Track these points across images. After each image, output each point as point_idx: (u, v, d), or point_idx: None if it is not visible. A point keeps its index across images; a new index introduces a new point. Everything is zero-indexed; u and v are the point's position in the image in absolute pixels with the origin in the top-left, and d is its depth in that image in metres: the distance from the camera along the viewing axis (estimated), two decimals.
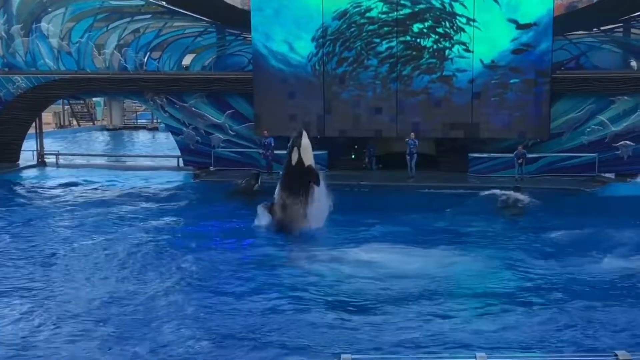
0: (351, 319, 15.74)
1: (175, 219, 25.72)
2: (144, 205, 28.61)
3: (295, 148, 23.31)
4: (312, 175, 23.24)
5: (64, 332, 15.21)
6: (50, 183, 33.60)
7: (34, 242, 22.65)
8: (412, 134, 31.96)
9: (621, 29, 32.99)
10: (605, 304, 16.49)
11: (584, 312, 16.01)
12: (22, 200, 29.90)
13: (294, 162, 23.39)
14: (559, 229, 23.28)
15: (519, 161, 31.37)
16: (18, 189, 32.27)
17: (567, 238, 22.46)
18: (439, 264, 19.69)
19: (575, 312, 16.03)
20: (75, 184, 32.79)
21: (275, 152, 32.20)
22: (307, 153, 23.31)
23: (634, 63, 32.91)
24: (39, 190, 32.06)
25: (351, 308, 16.47)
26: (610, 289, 17.87)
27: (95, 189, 31.91)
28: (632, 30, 32.94)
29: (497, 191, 28.73)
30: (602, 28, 32.80)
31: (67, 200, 29.53)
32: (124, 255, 20.94)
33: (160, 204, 28.59)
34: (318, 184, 23.18)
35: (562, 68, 32.57)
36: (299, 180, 23.36)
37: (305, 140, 23.32)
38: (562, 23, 31.57)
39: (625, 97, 31.54)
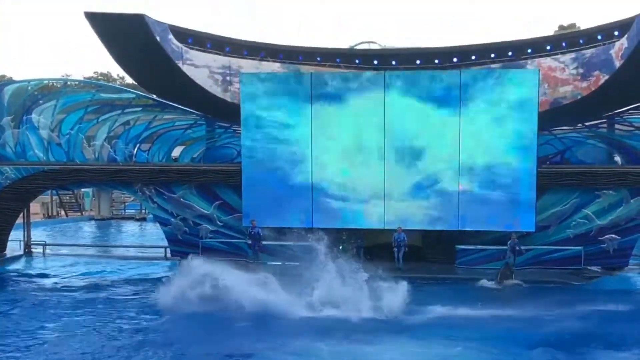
0: None
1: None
2: (127, 295, 28.61)
3: None
4: None
5: None
6: (34, 273, 33.52)
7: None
8: (400, 227, 32.17)
9: (605, 125, 33.57)
10: None
11: None
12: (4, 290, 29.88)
13: None
14: None
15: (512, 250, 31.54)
16: (4, 279, 32.14)
17: None
18: None
19: None
20: (57, 275, 32.73)
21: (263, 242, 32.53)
22: None
23: (617, 158, 33.40)
24: (23, 280, 31.99)
25: None
26: None
27: (81, 281, 31.78)
28: (616, 126, 33.52)
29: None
30: (586, 124, 33.38)
31: (47, 291, 29.60)
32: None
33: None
34: None
35: (548, 162, 32.99)
36: None
37: None
38: (547, 118, 32.06)
39: (611, 192, 31.90)
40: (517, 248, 31.46)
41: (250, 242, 33.33)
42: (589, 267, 32.38)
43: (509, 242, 31.54)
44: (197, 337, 22.40)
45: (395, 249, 32.33)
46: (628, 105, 32.77)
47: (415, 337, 22.13)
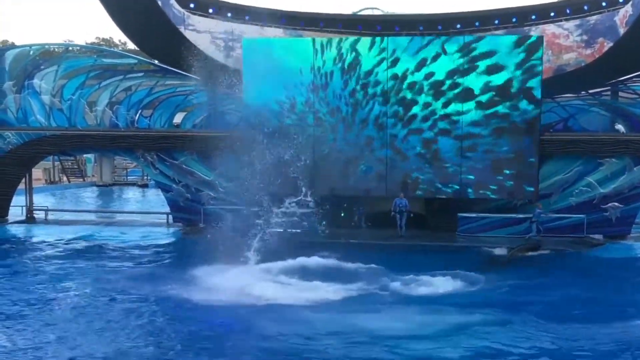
0: None
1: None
2: (127, 262, 28.70)
3: None
4: None
5: None
6: (35, 239, 33.67)
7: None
8: (402, 193, 32.14)
9: (609, 93, 33.42)
10: None
11: None
12: (7, 255, 29.94)
13: None
14: None
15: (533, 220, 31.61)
16: (5, 244, 32.26)
17: None
18: None
19: None
20: (58, 240, 32.84)
21: None
22: None
23: (619, 126, 33.27)
24: (25, 245, 32.15)
25: None
26: None
27: (83, 246, 31.86)
28: (620, 93, 33.37)
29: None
30: (590, 91, 33.22)
31: (48, 255, 29.76)
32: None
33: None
34: None
35: (551, 130, 32.87)
36: None
37: None
38: (551, 86, 31.90)
39: (613, 159, 31.80)
40: (539, 218, 31.44)
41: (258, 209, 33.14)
42: (591, 236, 32.35)
43: (534, 212, 31.52)
44: None
45: (397, 215, 32.24)
46: (632, 73, 32.60)
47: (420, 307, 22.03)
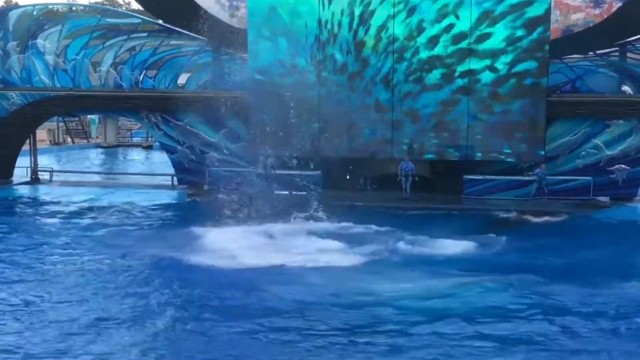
0: None
1: None
2: (133, 222, 28.75)
3: None
4: None
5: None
6: (40, 200, 33.79)
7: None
8: (407, 156, 32.02)
9: (617, 53, 33.12)
10: None
11: None
12: (13, 216, 29.96)
13: None
14: None
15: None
16: (11, 205, 32.32)
17: None
18: None
19: None
20: (65, 202, 32.79)
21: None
22: None
23: (625, 87, 32.99)
24: (30, 206, 32.18)
25: None
26: None
27: (88, 207, 31.81)
28: (628, 54, 33.08)
29: None
30: (598, 52, 32.93)
31: (54, 216, 29.77)
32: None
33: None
34: None
35: (558, 91, 32.63)
36: None
37: None
38: (558, 46, 31.61)
39: (621, 121, 31.57)
40: (542, 179, 31.34)
41: (262, 172, 33.09)
42: (597, 198, 32.23)
43: (536, 172, 31.45)
44: None
45: (403, 179, 32.14)
46: None
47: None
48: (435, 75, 31.42)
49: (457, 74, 31.23)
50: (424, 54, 31.36)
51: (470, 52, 30.99)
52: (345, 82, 32.10)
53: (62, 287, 19.71)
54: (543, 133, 31.26)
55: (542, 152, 31.43)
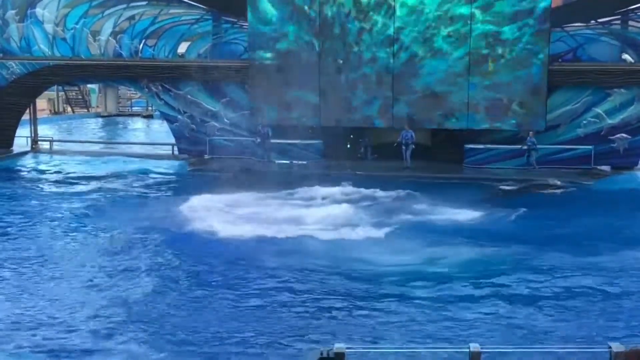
0: None
1: None
2: (136, 191, 28.81)
3: None
4: None
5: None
6: (41, 168, 33.90)
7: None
8: (407, 125, 31.98)
9: (619, 22, 32.95)
10: None
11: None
12: (15, 185, 29.97)
13: None
14: None
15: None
16: (12, 174, 32.31)
17: None
18: None
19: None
20: (64, 171, 32.91)
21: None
22: None
23: (625, 56, 32.83)
24: (31, 175, 32.33)
25: None
26: None
27: (86, 176, 31.85)
28: (630, 22, 32.91)
29: None
30: (599, 20, 32.75)
31: (55, 184, 29.98)
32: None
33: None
34: None
35: (560, 60, 32.50)
36: None
37: None
38: (560, 15, 31.46)
39: (622, 90, 31.47)
40: (533, 147, 31.33)
41: (259, 140, 33.13)
42: (598, 167, 32.20)
43: (527, 140, 31.46)
44: None
45: (403, 147, 32.10)
46: None
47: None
48: (438, 41, 31.38)
49: (459, 41, 31.16)
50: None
51: (473, 18, 30.93)
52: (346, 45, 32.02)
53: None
54: (544, 102, 31.19)
55: (544, 122, 31.38)
